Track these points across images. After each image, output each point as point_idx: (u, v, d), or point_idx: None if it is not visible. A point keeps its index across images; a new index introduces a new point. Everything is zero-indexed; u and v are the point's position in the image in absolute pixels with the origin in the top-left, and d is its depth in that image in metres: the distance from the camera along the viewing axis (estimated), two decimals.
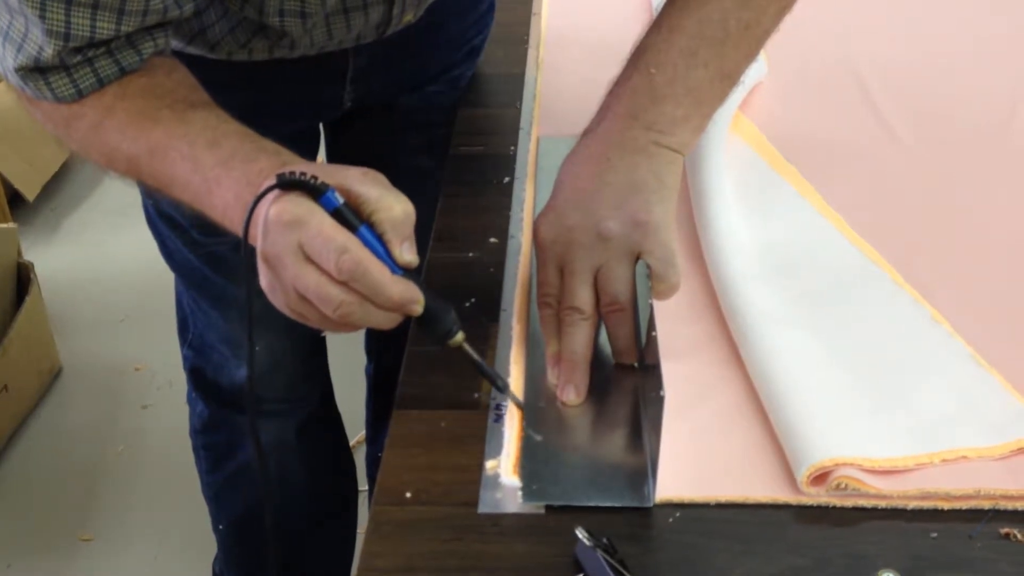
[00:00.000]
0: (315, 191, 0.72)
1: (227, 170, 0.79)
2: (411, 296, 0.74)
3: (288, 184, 0.73)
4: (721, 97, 0.90)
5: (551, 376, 0.84)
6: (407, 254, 0.74)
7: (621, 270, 0.83)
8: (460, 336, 0.79)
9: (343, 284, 0.72)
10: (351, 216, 0.73)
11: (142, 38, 0.85)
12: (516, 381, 0.84)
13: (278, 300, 0.76)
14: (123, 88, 0.85)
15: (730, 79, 0.89)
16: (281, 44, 1.02)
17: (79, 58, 0.82)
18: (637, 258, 0.83)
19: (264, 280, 0.75)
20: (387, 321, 0.75)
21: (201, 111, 0.84)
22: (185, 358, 1.37)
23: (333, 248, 0.71)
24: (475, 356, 0.80)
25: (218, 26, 0.99)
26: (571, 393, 0.82)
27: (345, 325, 0.75)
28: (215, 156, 0.80)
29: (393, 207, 0.74)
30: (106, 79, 0.84)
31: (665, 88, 0.87)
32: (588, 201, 0.84)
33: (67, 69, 0.83)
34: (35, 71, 0.83)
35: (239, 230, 0.76)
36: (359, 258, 0.71)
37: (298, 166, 0.75)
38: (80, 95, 0.84)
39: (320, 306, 0.73)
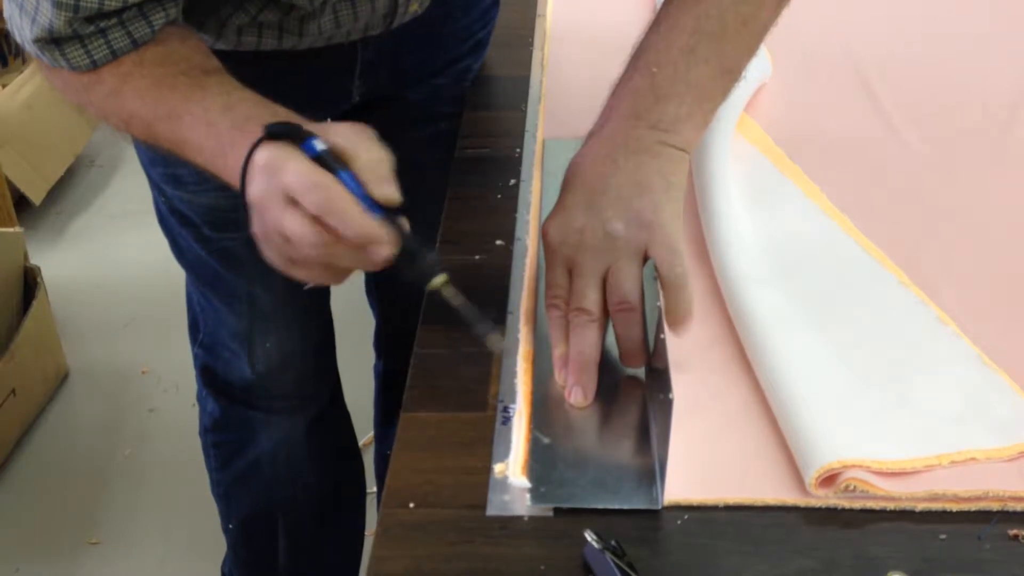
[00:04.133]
0: (298, 138, 0.77)
1: (242, 133, 0.82)
2: (378, 232, 0.76)
3: (276, 135, 0.78)
4: (723, 92, 0.90)
5: (559, 378, 0.84)
6: (386, 189, 0.78)
7: (630, 270, 0.83)
8: (441, 278, 0.80)
9: (318, 222, 0.75)
10: (331, 161, 0.77)
11: (152, 9, 0.86)
12: (524, 383, 0.84)
13: (269, 249, 0.80)
14: (140, 56, 0.87)
15: (731, 74, 0.90)
16: (290, 28, 1.01)
17: (91, 28, 0.84)
18: (646, 259, 0.83)
19: (256, 227, 0.79)
20: (362, 261, 0.78)
21: (215, 76, 0.87)
22: (196, 357, 1.37)
23: (308, 184, 0.75)
24: (456, 300, 0.81)
25: (229, 3, 0.99)
26: (579, 395, 0.82)
27: (327, 268, 0.79)
28: (230, 119, 0.83)
29: (370, 150, 0.79)
30: (119, 51, 0.86)
31: (667, 87, 0.87)
32: (596, 202, 0.85)
33: (80, 39, 0.84)
34: (51, 42, 0.84)
35: None
36: (330, 192, 0.75)
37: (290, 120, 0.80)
38: (95, 65, 0.86)
39: (297, 245, 0.77)
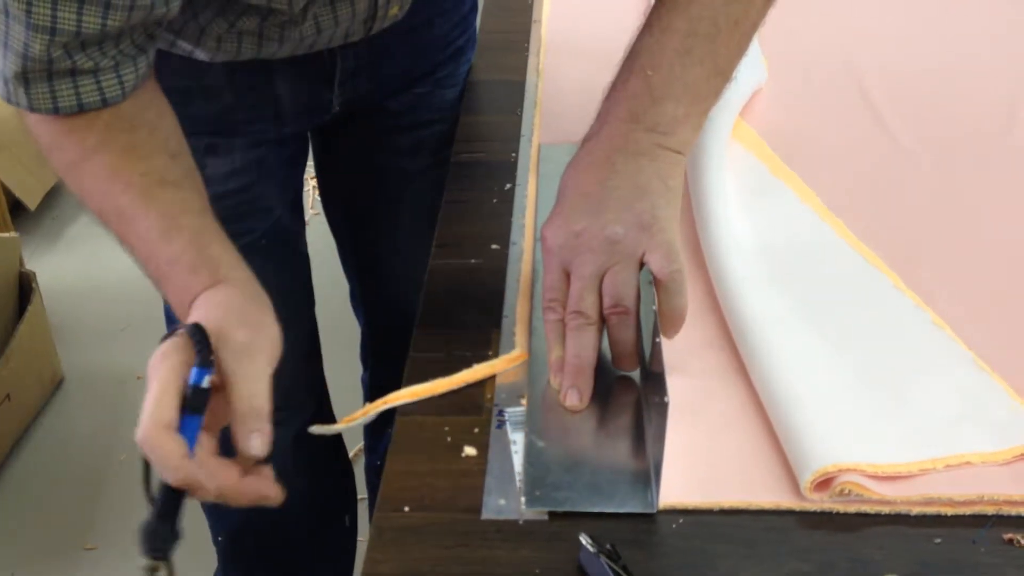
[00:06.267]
0: (201, 355, 0.75)
1: (172, 270, 0.83)
2: (192, 478, 0.75)
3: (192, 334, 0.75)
4: (716, 94, 0.90)
5: (554, 381, 0.84)
6: (252, 443, 0.77)
7: (626, 273, 0.83)
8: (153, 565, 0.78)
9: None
10: (193, 402, 0.75)
11: (125, 65, 0.84)
12: (519, 386, 0.84)
13: None
14: (105, 137, 0.85)
15: (723, 75, 0.90)
16: (269, 35, 1.01)
17: (65, 65, 0.80)
18: (642, 263, 0.83)
19: None
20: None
21: (168, 192, 0.85)
22: None
23: (144, 434, 0.75)
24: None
25: (208, 10, 0.98)
26: (574, 398, 0.82)
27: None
28: (166, 251, 0.83)
29: (253, 397, 0.77)
30: (87, 104, 0.83)
31: (663, 88, 0.87)
32: (595, 206, 0.85)
33: (50, 80, 0.81)
34: (22, 79, 0.81)
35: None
36: (157, 445, 0.74)
37: (203, 314, 0.78)
38: (57, 112, 0.83)
39: None
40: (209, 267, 0.82)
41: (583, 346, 0.83)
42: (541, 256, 0.88)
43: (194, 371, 0.74)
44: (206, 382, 0.74)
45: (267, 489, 0.79)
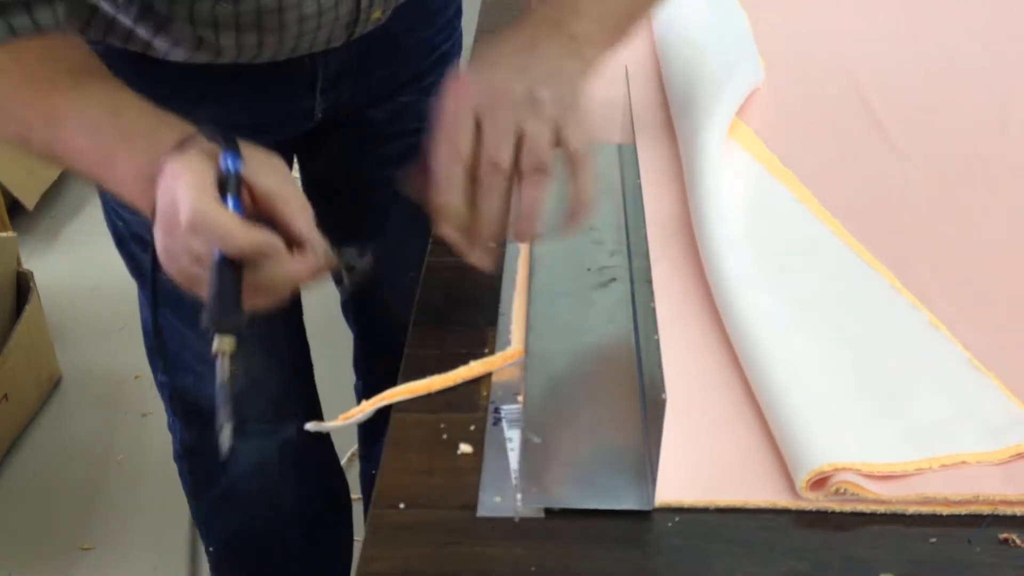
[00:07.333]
0: (224, 144, 0.74)
1: (129, 141, 0.79)
2: (264, 238, 0.74)
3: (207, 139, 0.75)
4: (620, 37, 0.92)
5: (454, 237, 0.83)
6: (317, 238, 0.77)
7: (548, 135, 0.81)
8: (228, 343, 0.77)
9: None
10: (230, 184, 0.74)
11: (38, 7, 0.82)
12: (515, 383, 0.84)
13: (171, 265, 0.77)
14: (18, 52, 0.81)
15: (633, 19, 0.94)
16: (247, 43, 0.99)
17: None
18: (557, 142, 0.82)
19: (160, 240, 0.76)
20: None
21: (99, 80, 0.83)
22: (162, 385, 1.32)
23: (194, 215, 0.72)
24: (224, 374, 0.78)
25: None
26: (488, 261, 0.82)
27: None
28: (116, 127, 0.80)
29: (300, 195, 0.78)
30: (19, 29, 0.81)
31: (587, 6, 0.89)
32: (522, 66, 0.84)
33: None
34: None
35: (140, 203, 0.77)
36: (211, 219, 0.72)
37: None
38: None
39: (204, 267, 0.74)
40: (173, 127, 0.79)
41: (498, 205, 0.81)
42: (445, 103, 0.84)
43: (226, 158, 0.73)
44: (240, 167, 0.73)
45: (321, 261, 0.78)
